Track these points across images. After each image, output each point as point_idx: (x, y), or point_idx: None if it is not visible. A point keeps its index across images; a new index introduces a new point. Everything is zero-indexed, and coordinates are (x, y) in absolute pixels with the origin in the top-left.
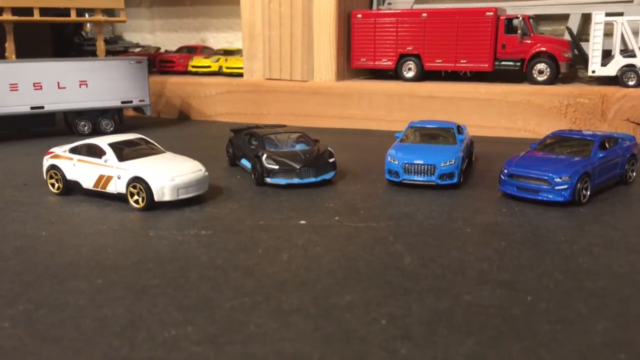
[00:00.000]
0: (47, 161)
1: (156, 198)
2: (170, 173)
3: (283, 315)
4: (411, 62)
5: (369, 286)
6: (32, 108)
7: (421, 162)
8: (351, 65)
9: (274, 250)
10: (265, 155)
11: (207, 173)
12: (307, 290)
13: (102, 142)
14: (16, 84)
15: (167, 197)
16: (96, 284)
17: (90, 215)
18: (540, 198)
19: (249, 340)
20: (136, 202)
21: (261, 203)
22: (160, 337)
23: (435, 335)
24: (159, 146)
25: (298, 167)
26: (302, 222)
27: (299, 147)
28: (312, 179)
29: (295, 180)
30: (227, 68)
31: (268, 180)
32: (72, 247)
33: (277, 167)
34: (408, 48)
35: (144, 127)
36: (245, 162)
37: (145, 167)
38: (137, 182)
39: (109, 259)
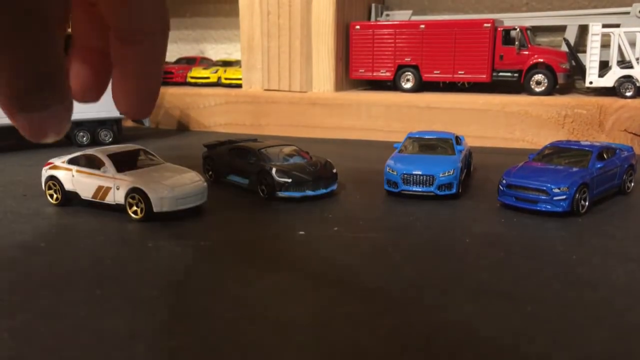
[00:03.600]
0: (45, 172)
1: (155, 209)
2: (169, 184)
3: (282, 326)
4: (409, 73)
5: (368, 297)
6: None
7: (420, 172)
8: (350, 76)
9: (273, 260)
10: (275, 169)
11: (206, 184)
12: (306, 301)
13: (101, 153)
14: None
15: (166, 208)
16: (95, 295)
17: (88, 226)
18: (538, 208)
19: (248, 352)
20: (135, 213)
21: (260, 214)
22: (159, 348)
23: (434, 347)
24: (158, 157)
25: (310, 179)
26: (301, 232)
27: (297, 159)
28: (323, 190)
29: (309, 193)
30: (226, 79)
31: (280, 194)
32: (70, 258)
33: (289, 180)
34: (406, 59)
35: (142, 137)
36: (235, 178)
37: (144, 178)
38: (135, 193)
39: (108, 270)
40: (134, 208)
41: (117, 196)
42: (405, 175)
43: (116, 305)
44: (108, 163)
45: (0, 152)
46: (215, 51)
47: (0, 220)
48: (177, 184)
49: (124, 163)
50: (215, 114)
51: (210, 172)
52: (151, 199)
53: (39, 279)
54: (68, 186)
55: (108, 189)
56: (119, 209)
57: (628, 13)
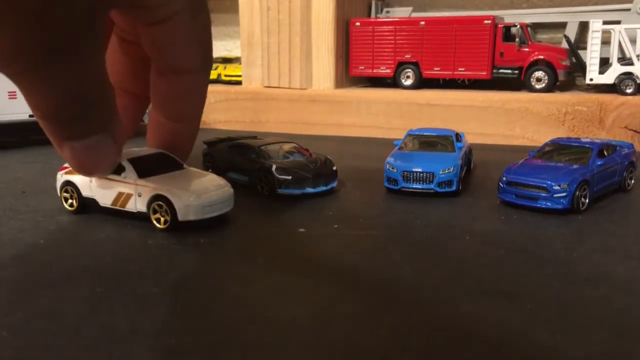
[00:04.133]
0: (61, 177)
1: (180, 218)
2: (194, 190)
3: (282, 325)
4: (409, 70)
5: (368, 296)
6: (30, 116)
7: (420, 169)
8: (350, 73)
9: (273, 258)
10: (275, 167)
11: (232, 190)
12: (306, 300)
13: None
14: (15, 92)
15: (192, 217)
16: (95, 293)
17: (88, 223)
18: (538, 206)
19: (249, 350)
20: (158, 221)
21: (259, 212)
22: (160, 346)
23: (434, 345)
24: (180, 161)
25: (310, 176)
26: (301, 230)
27: (297, 156)
28: (323, 188)
29: (309, 190)
30: (226, 76)
31: (280, 191)
32: (70, 256)
33: (289, 177)
34: (406, 56)
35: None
36: (235, 175)
37: (168, 184)
38: (159, 200)
39: (108, 268)
40: (158, 216)
41: (138, 204)
42: (405, 173)
43: (116, 303)
44: (128, 168)
45: (1, 148)
46: (215, 48)
47: (0, 217)
48: (203, 191)
49: (145, 168)
50: (214, 110)
51: (210, 170)
52: (176, 207)
53: (39, 276)
54: (86, 192)
55: (129, 195)
56: (140, 217)
57: (629, 10)
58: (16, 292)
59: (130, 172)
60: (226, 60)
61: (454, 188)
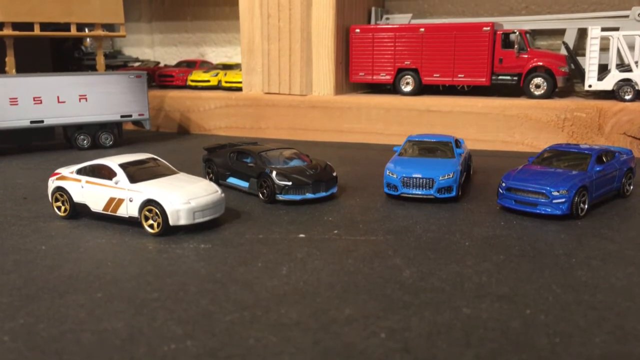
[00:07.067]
0: (52, 183)
1: (171, 222)
2: (185, 195)
3: (282, 329)
4: (409, 77)
5: (368, 300)
6: (31, 122)
7: (419, 175)
8: (349, 79)
9: (273, 263)
10: (275, 172)
11: (223, 195)
12: (306, 304)
13: (112, 162)
14: (16, 98)
15: (182, 221)
16: (96, 298)
17: (89, 228)
18: (538, 211)
19: (249, 354)
20: (151, 227)
21: (260, 217)
22: (160, 351)
23: (434, 349)
24: (171, 166)
25: (310, 182)
26: (301, 235)
27: (297, 162)
28: (324, 193)
29: (309, 196)
30: (226, 82)
31: (280, 197)
32: (71, 261)
33: (290, 183)
34: (406, 62)
35: (143, 141)
36: (235, 181)
37: (159, 189)
38: (150, 205)
39: (108, 273)
40: (150, 222)
41: (130, 209)
42: (405, 179)
43: (117, 308)
44: (120, 173)
45: (1, 155)
46: (216, 54)
47: (1, 223)
48: (193, 196)
49: (137, 173)
50: (215, 117)
51: (211, 175)
52: (167, 212)
53: (40, 282)
54: (77, 198)
55: (120, 200)
56: (131, 222)
57: (627, 16)
58: (18, 297)
59: (121, 178)
60: (226, 67)
61: (453, 194)
